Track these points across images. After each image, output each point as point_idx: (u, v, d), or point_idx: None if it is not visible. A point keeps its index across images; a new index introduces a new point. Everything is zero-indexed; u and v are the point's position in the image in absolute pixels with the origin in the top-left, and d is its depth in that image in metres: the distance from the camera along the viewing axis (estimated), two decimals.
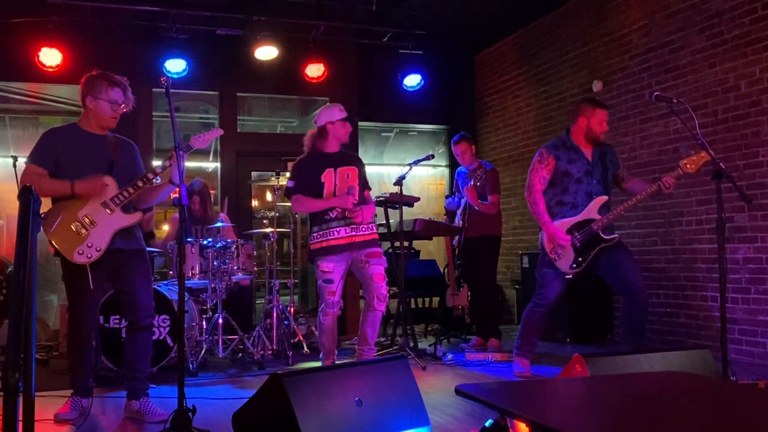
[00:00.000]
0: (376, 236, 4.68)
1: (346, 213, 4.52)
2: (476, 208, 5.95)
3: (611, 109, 6.48)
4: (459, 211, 6.20)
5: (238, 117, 8.01)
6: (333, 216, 4.54)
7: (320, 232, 4.54)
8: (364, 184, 4.78)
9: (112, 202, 3.69)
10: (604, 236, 4.43)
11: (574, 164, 4.51)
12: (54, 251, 3.70)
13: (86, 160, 3.73)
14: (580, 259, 4.44)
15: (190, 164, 8.10)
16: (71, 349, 3.85)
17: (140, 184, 3.71)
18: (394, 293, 7.18)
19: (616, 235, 4.48)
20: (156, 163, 4.52)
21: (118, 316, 4.81)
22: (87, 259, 3.63)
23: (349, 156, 4.85)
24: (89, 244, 3.63)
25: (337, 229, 4.52)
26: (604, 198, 4.49)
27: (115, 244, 3.72)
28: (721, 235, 3.77)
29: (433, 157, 5.93)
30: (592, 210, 4.45)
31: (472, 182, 5.91)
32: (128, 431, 3.59)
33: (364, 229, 4.56)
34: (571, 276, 4.49)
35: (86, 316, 3.77)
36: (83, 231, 3.64)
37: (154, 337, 4.81)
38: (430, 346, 5.96)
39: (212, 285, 5.42)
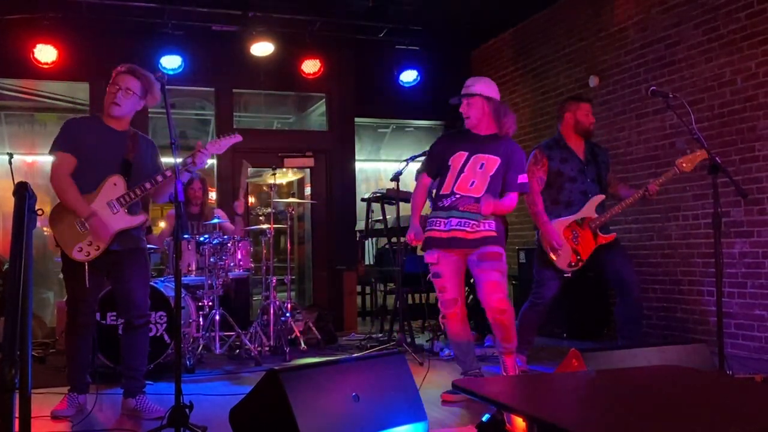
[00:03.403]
0: (492, 233, 3.94)
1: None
2: None
3: (607, 104, 6.50)
4: None
5: (234, 113, 7.99)
6: (445, 204, 4.00)
7: (429, 219, 4.09)
8: (515, 185, 4.00)
9: (118, 203, 3.68)
10: (601, 235, 4.46)
11: (567, 164, 4.54)
12: (55, 244, 3.70)
13: (101, 154, 3.71)
14: (578, 257, 4.46)
15: (167, 159, 8.06)
16: (68, 347, 3.85)
17: (148, 186, 3.70)
18: (392, 289, 7.19)
19: (614, 234, 4.50)
20: None
21: (114, 313, 4.79)
22: (85, 256, 3.63)
23: (498, 144, 4.02)
24: (89, 242, 3.64)
25: (443, 219, 3.99)
26: (601, 197, 4.52)
27: (114, 245, 3.71)
28: (717, 230, 3.78)
29: None
30: (589, 209, 4.48)
31: None
32: (125, 427, 3.59)
33: (471, 225, 3.92)
34: (569, 274, 4.51)
35: (83, 311, 3.76)
36: (85, 229, 3.64)
37: (152, 334, 4.81)
38: (427, 341, 5.97)
39: (209, 281, 5.42)
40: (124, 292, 3.81)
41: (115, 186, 3.69)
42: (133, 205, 3.75)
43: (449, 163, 4.02)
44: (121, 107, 3.74)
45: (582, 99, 4.73)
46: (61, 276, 7.12)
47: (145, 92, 3.77)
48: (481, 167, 3.96)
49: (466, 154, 3.99)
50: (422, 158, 5.84)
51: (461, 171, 3.98)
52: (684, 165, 4.26)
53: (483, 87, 4.04)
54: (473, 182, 3.95)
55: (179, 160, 3.48)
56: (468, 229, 3.92)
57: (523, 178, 4.03)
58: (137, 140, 3.84)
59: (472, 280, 6.30)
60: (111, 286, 3.97)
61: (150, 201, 7.90)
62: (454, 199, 3.97)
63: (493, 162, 3.97)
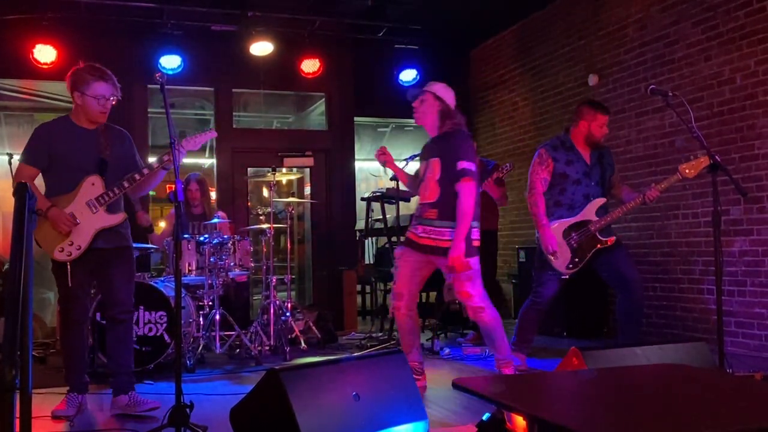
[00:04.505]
0: (443, 243, 3.96)
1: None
2: (496, 199, 5.95)
3: (606, 103, 6.50)
4: None
5: (234, 113, 7.99)
6: (416, 213, 4.24)
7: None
8: (455, 174, 3.96)
9: (97, 202, 3.70)
10: (601, 238, 4.45)
11: (572, 165, 4.52)
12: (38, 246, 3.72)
13: (76, 156, 3.72)
14: (576, 259, 4.46)
15: (186, 160, 8.07)
16: (64, 344, 3.87)
17: (126, 184, 3.71)
18: (391, 289, 7.18)
19: (614, 237, 4.49)
20: (151, 159, 4.51)
21: None
22: (67, 256, 3.65)
23: (440, 142, 4.12)
24: (70, 242, 3.65)
25: (415, 225, 4.18)
26: (602, 200, 4.51)
27: (97, 243, 3.72)
28: (717, 228, 3.78)
29: None
30: (589, 211, 4.47)
31: (494, 177, 5.83)
32: (126, 426, 3.59)
33: (427, 232, 4.06)
34: (567, 276, 4.51)
35: (74, 309, 3.75)
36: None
37: (151, 334, 4.82)
38: (427, 340, 5.96)
39: (209, 281, 5.41)
40: (108, 289, 3.84)
41: (93, 186, 3.71)
42: (112, 204, 3.75)
43: (420, 175, 4.27)
44: (107, 114, 3.79)
45: (600, 109, 4.57)
46: None
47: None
48: (431, 172, 4.10)
49: (425, 162, 4.21)
50: None
51: (422, 179, 4.19)
52: (687, 171, 4.23)
53: (439, 87, 4.21)
54: (428, 188, 4.10)
55: (181, 160, 3.50)
56: (432, 236, 4.05)
57: (462, 164, 3.96)
58: (110, 135, 3.84)
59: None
60: (96, 284, 3.97)
61: (150, 201, 7.91)
62: (418, 208, 4.20)
63: (435, 164, 4.08)
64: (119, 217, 3.80)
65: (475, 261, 4.04)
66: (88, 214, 3.69)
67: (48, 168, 3.73)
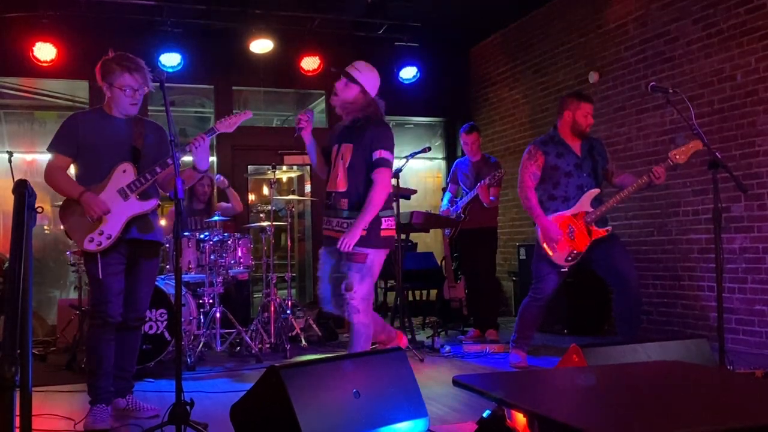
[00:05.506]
0: (344, 234, 3.71)
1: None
2: (485, 205, 5.98)
3: (607, 100, 6.50)
4: (460, 202, 6.17)
5: (234, 111, 7.98)
6: (327, 203, 3.93)
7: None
8: (369, 163, 3.77)
9: (128, 189, 3.58)
10: (597, 229, 4.45)
11: (563, 158, 4.54)
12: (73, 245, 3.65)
13: (108, 145, 3.61)
14: (575, 251, 4.46)
15: (187, 158, 8.07)
16: (93, 348, 3.61)
17: (158, 170, 3.59)
18: (392, 286, 7.19)
19: (610, 228, 4.50)
20: None
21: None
22: (96, 246, 3.51)
23: (354, 128, 3.88)
24: (100, 232, 3.52)
25: (333, 219, 3.90)
26: (596, 191, 4.51)
27: (132, 233, 3.61)
28: (717, 225, 3.78)
29: (429, 149, 5.94)
30: (584, 203, 4.48)
31: (487, 181, 5.89)
32: (128, 426, 3.59)
33: (340, 224, 3.83)
34: (566, 269, 4.51)
35: (108, 306, 3.57)
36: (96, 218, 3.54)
37: (152, 332, 4.82)
38: (427, 338, 5.96)
39: (209, 279, 5.41)
40: (129, 293, 3.69)
41: (124, 173, 3.59)
42: (144, 192, 3.63)
43: (332, 159, 3.95)
44: (138, 105, 3.69)
45: (583, 98, 4.61)
46: (64, 273, 7.10)
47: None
48: (342, 159, 3.84)
49: (336, 146, 3.92)
50: (422, 154, 5.86)
51: (333, 166, 3.90)
52: (677, 157, 4.24)
53: (367, 79, 3.88)
54: (338, 176, 3.84)
55: (186, 159, 3.46)
56: (344, 228, 3.79)
57: (378, 154, 3.76)
58: (143, 126, 3.74)
59: (467, 284, 6.32)
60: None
61: None
62: (331, 198, 3.89)
63: (348, 150, 3.83)
64: (152, 203, 3.67)
65: (376, 255, 3.77)
66: (119, 201, 3.56)
67: (78, 158, 3.62)
